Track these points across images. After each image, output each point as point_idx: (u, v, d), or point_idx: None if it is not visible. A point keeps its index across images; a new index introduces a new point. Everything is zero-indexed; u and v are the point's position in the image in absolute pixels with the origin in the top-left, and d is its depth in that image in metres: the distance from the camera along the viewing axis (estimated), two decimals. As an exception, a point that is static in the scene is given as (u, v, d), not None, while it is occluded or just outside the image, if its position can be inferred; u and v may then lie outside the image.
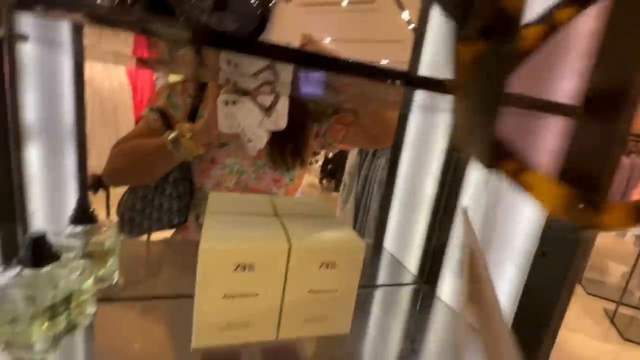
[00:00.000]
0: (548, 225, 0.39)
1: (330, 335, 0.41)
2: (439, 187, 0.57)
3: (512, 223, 0.43)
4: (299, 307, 0.39)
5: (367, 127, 0.75)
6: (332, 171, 4.08)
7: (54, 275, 0.34)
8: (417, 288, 0.58)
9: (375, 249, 0.73)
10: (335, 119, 0.79)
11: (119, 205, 0.76)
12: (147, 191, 0.74)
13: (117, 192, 0.76)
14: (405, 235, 0.66)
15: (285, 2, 0.37)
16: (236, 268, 0.35)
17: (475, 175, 0.50)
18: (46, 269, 0.33)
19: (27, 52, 0.41)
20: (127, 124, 2.19)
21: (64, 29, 0.40)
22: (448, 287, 0.54)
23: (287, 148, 0.75)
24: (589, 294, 2.70)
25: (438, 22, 0.61)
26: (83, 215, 0.43)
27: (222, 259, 0.34)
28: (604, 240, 2.89)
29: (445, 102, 0.39)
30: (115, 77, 2.25)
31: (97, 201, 0.50)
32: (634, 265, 2.33)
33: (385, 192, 0.71)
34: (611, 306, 2.40)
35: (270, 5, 0.29)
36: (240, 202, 0.48)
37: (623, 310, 2.38)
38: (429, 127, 0.62)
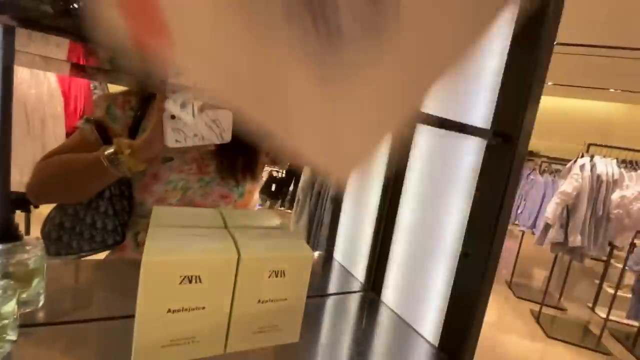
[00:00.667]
0: (469, 228, 0.45)
1: (280, 345, 0.41)
2: (382, 199, 0.62)
3: (441, 226, 0.49)
4: (248, 318, 0.39)
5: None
6: (276, 192, 4.09)
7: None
8: (364, 295, 0.61)
9: (326, 260, 0.75)
10: None
11: (45, 223, 0.68)
12: (78, 208, 0.68)
13: (39, 212, 0.69)
14: (354, 246, 0.70)
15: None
16: (182, 281, 0.34)
17: (412, 185, 0.55)
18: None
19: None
20: (56, 137, 1.98)
21: (-8, 31, 0.37)
22: (392, 293, 0.58)
23: (237, 162, 0.73)
24: (518, 297, 3.00)
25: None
26: (6, 231, 0.39)
27: (166, 271, 0.34)
28: (527, 247, 3.28)
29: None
30: (44, 84, 2.04)
31: (16, 220, 0.45)
32: (551, 270, 2.66)
33: (335, 206, 0.75)
34: (536, 307, 2.69)
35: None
36: (187, 215, 0.47)
37: (546, 310, 2.68)
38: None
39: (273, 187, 4.04)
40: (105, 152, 0.57)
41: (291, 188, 3.99)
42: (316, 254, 0.80)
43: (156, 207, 0.47)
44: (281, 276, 0.40)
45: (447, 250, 0.47)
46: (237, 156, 0.73)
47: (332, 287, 0.64)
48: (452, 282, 0.46)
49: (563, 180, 2.55)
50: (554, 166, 3.41)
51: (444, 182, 0.49)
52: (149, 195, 0.68)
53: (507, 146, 0.42)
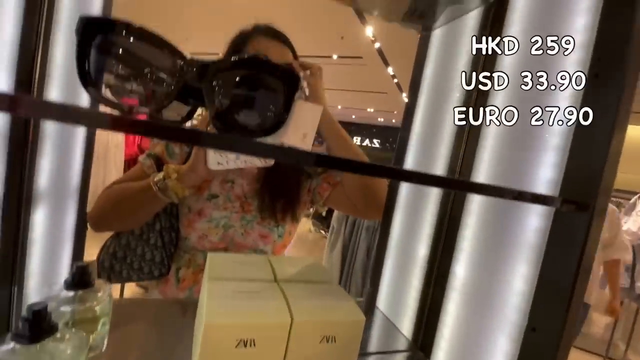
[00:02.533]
0: (537, 299, 0.41)
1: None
2: (432, 251, 0.59)
3: (502, 292, 0.45)
4: (297, 382, 0.39)
5: (349, 193, 0.75)
6: (327, 218, 4.10)
7: (49, 351, 0.33)
8: (412, 355, 0.57)
9: (368, 307, 0.73)
10: (324, 177, 0.80)
11: (100, 251, 0.73)
12: (131, 239, 0.72)
13: (94, 239, 0.73)
14: (399, 296, 0.67)
15: (304, 99, 0.41)
16: (238, 344, 0.35)
17: (467, 243, 0.53)
18: (41, 344, 0.32)
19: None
20: (116, 164, 2.17)
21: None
22: (443, 355, 0.54)
23: (277, 202, 0.74)
24: (576, 347, 2.67)
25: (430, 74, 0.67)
26: (81, 278, 0.42)
27: (225, 335, 0.34)
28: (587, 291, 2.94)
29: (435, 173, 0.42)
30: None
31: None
32: (617, 319, 2.35)
33: (378, 251, 0.73)
34: (598, 361, 2.37)
35: (292, 106, 0.33)
36: (239, 264, 0.48)
37: (610, 365, 2.36)
38: (421, 193, 0.65)
39: (324, 213, 4.07)
40: (155, 178, 0.62)
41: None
42: (356, 300, 0.77)
43: (211, 255, 0.49)
44: (332, 342, 0.39)
45: (510, 320, 0.44)
46: (279, 196, 0.75)
47: (375, 342, 0.61)
48: (517, 356, 0.42)
49: (627, 217, 2.30)
50: (615, 199, 3.10)
51: (504, 245, 0.46)
52: (192, 231, 0.72)
53: (581, 214, 0.38)
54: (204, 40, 4.03)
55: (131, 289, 2.23)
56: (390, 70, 5.02)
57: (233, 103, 0.30)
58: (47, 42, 0.36)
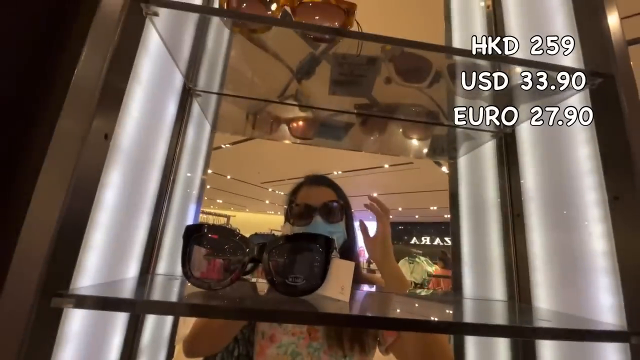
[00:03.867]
0: None
1: None
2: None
3: None
4: None
5: (407, 350, 0.70)
6: None
7: None
8: None
9: None
10: None
11: None
12: None
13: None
14: None
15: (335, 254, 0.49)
16: None
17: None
18: None
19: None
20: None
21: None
22: None
23: (345, 331, 0.75)
24: None
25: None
26: None
27: None
28: None
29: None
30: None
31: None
32: None
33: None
34: None
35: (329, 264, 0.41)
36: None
37: None
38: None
39: None
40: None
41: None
42: None
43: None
44: None
45: None
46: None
47: None
48: None
49: None
50: None
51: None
52: (264, 359, 0.74)
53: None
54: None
55: None
56: (444, 169, 5.10)
57: (284, 270, 0.39)
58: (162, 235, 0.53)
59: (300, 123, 0.74)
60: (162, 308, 0.29)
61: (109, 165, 0.38)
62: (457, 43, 0.79)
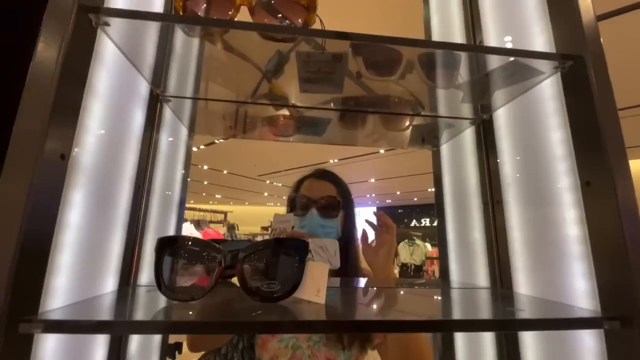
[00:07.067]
0: None
1: None
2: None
3: None
4: None
5: (390, 351, 0.71)
6: None
7: None
8: None
9: None
10: None
11: None
12: (218, 358, 0.80)
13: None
14: None
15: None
16: None
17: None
18: None
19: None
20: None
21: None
22: None
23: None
24: None
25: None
26: None
27: None
28: None
29: None
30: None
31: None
32: None
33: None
34: None
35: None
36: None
37: None
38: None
39: None
40: None
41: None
42: None
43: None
44: None
45: None
46: None
47: None
48: None
49: None
50: None
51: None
52: (265, 353, 0.77)
53: (627, 330, 0.35)
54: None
55: None
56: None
57: (259, 277, 0.39)
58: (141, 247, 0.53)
59: (279, 121, 0.73)
60: (136, 328, 0.29)
61: (70, 185, 0.37)
62: (435, 23, 0.78)
